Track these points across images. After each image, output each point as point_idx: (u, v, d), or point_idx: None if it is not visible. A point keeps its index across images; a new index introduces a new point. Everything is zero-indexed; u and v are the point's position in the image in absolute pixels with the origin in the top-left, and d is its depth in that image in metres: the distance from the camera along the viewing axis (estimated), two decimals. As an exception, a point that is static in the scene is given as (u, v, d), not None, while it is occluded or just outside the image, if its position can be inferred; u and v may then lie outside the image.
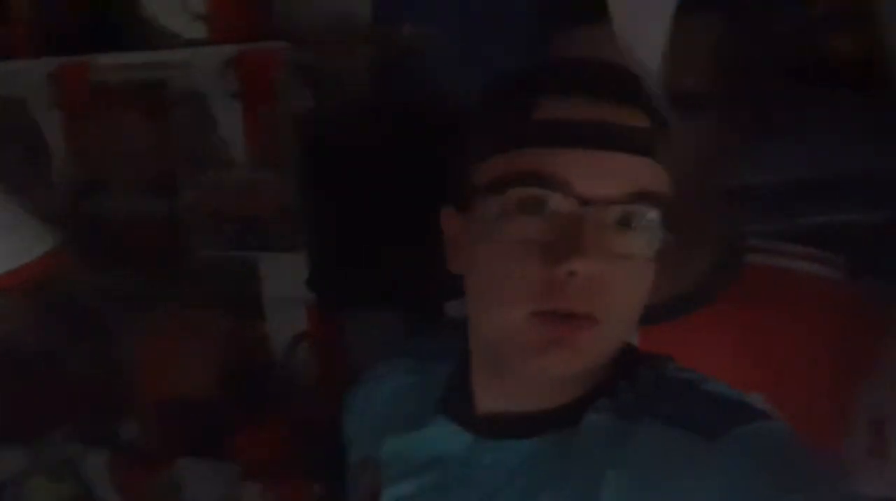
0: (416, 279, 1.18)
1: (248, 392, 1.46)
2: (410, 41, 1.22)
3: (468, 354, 0.65)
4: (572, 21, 0.80)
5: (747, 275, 0.87)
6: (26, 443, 1.57)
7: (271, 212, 1.43)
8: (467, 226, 0.59)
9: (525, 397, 0.61)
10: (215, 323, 1.49)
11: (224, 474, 1.44)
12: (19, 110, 1.48)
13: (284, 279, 1.46)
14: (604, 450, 0.55)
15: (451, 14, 1.19)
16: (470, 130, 0.62)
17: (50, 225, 0.62)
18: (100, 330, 1.49)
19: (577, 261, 0.52)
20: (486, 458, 0.60)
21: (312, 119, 1.35)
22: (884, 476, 0.75)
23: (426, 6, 1.23)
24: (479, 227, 0.58)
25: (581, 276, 0.53)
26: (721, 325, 0.83)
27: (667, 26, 0.41)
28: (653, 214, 0.55)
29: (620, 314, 0.57)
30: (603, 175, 0.54)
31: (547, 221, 0.54)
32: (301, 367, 1.46)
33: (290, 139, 1.38)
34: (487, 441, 0.61)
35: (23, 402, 1.46)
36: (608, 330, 0.56)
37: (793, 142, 1.01)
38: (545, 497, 0.56)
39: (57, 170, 1.50)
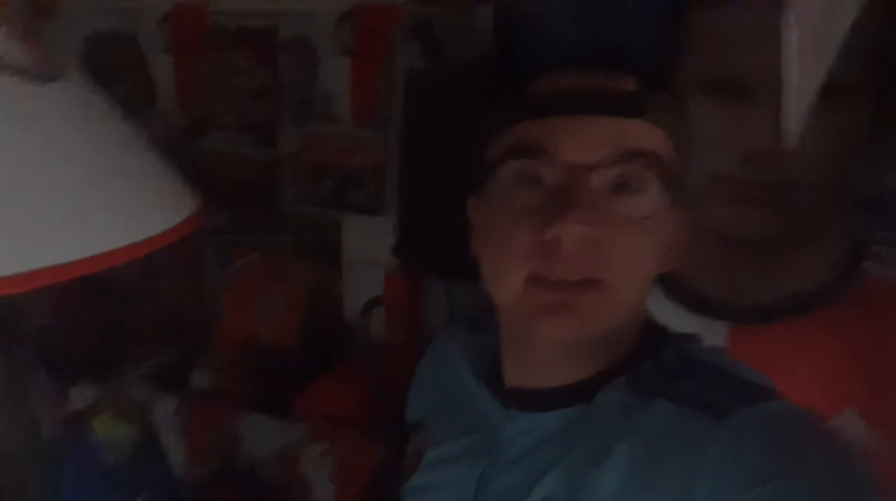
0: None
1: (324, 346, 1.45)
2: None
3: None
4: None
5: (862, 285, 0.81)
6: (100, 379, 1.59)
7: (369, 171, 1.42)
8: (485, 209, 0.62)
9: (544, 372, 0.62)
10: (299, 274, 1.48)
11: (286, 432, 1.43)
12: (131, 47, 1.51)
13: (365, 241, 1.46)
14: (614, 425, 0.56)
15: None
16: (482, 111, 0.64)
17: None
18: (194, 264, 1.50)
19: (560, 227, 0.54)
20: (512, 427, 0.62)
21: (421, 78, 1.34)
22: None
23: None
24: (491, 205, 0.60)
25: (568, 241, 0.54)
26: (824, 334, 0.79)
27: (849, 23, 0.40)
28: (647, 173, 0.56)
29: (625, 276, 0.57)
30: (587, 140, 0.55)
31: (540, 189, 0.56)
32: (376, 330, 1.46)
33: (396, 98, 1.36)
34: (514, 411, 0.63)
35: (110, 330, 1.47)
36: (614, 292, 0.56)
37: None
38: (561, 467, 0.58)
39: (162, 109, 1.52)
